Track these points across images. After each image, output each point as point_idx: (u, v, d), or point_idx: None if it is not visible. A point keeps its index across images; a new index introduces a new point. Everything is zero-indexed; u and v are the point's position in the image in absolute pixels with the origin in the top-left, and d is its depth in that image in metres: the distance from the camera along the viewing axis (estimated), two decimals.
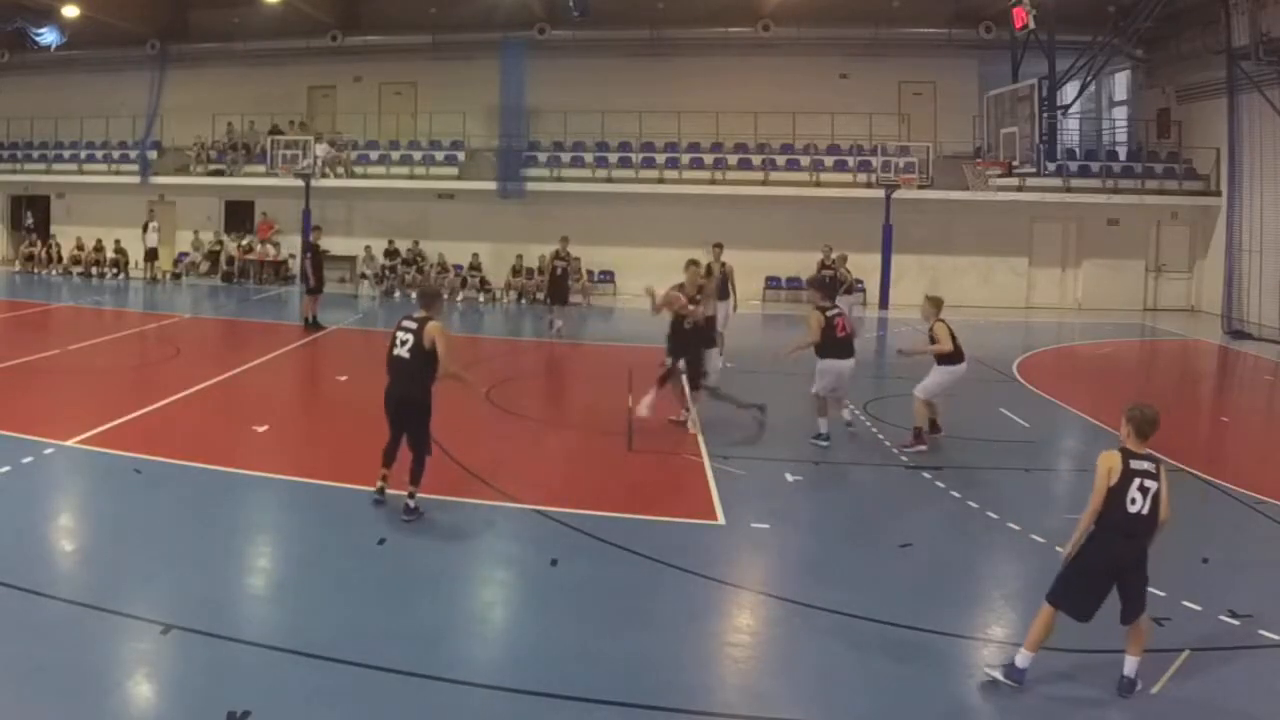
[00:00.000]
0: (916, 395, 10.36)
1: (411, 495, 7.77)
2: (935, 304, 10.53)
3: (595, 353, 17.68)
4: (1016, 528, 7.91)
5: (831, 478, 9.54)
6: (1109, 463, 5.24)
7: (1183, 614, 6.27)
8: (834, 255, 18.62)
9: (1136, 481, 5.17)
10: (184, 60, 27.67)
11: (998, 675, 5.32)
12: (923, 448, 10.15)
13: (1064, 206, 23.75)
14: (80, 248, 26.74)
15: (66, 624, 5.67)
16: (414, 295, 20.98)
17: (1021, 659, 5.30)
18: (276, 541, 7.64)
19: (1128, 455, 5.26)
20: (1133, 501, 5.16)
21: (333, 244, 22.38)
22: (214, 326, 19.55)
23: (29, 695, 4.91)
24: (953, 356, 10.30)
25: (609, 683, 5.29)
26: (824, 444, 10.22)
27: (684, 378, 10.45)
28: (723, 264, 14.67)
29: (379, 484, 8.00)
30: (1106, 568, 5.23)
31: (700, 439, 10.22)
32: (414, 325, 7.75)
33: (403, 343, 7.74)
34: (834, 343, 10.15)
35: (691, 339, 10.51)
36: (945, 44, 24.80)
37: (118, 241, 26.41)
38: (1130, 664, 5.31)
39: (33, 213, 28.51)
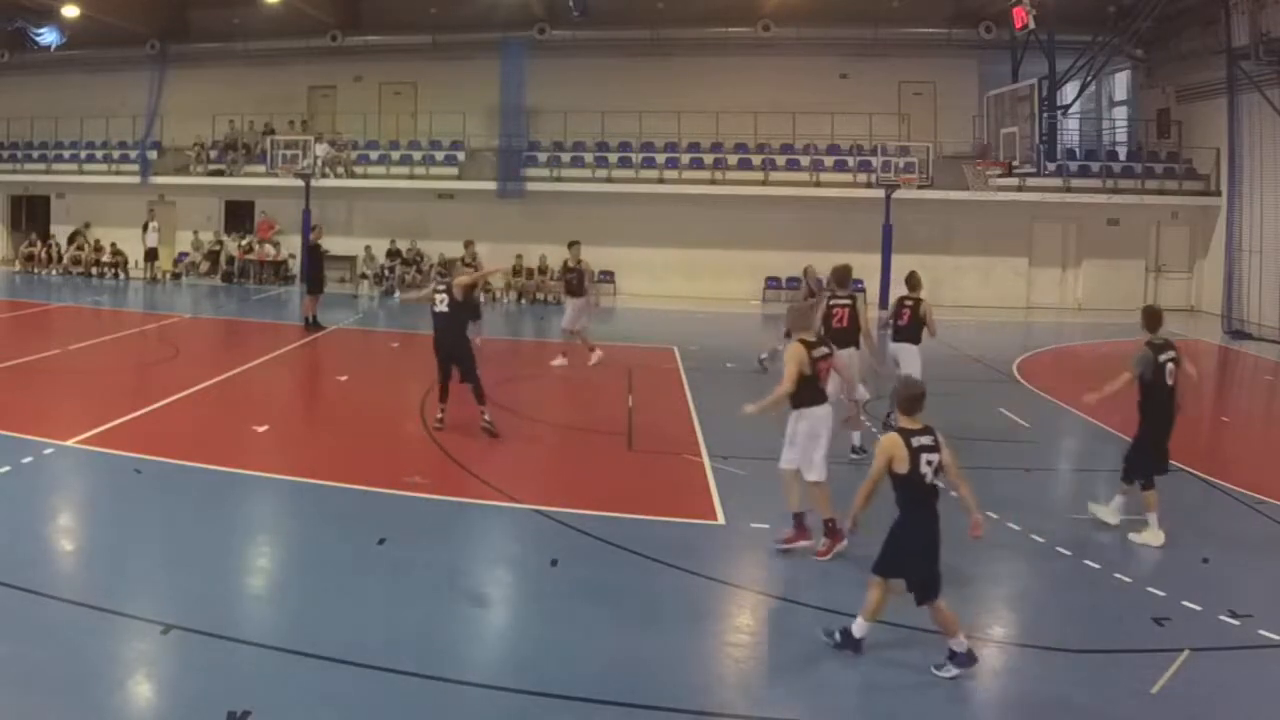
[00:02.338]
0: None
1: (483, 413, 10.10)
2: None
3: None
4: (1016, 528, 7.92)
5: (832, 478, 9.49)
6: (892, 450, 5.40)
7: (1183, 614, 6.28)
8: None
9: (923, 458, 5.37)
10: (184, 60, 27.63)
11: (835, 639, 5.61)
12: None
13: (1064, 206, 23.73)
14: (80, 248, 26.71)
15: (66, 624, 5.67)
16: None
17: (858, 628, 5.61)
18: (276, 541, 7.63)
19: (907, 435, 5.43)
20: (924, 477, 5.38)
21: (333, 244, 22.39)
22: (214, 326, 19.54)
23: (29, 695, 4.91)
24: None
25: (609, 683, 5.29)
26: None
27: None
28: (580, 261, 14.73)
29: (440, 415, 10.23)
30: (925, 546, 5.42)
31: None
32: (444, 285, 9.92)
33: (441, 300, 9.86)
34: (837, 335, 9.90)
35: None
36: (945, 44, 24.78)
37: (113, 244, 26.39)
38: (959, 642, 5.44)
39: (35, 213, 28.47)
